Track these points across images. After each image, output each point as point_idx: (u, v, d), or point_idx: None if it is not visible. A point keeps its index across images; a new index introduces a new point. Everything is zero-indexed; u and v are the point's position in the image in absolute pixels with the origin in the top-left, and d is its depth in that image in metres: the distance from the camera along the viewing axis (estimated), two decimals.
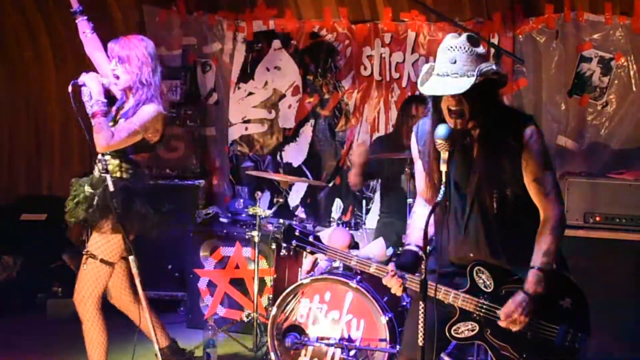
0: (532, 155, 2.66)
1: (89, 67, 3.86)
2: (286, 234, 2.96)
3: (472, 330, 2.71)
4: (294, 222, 3.00)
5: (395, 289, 2.75)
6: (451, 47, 2.59)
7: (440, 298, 2.70)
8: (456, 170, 2.73)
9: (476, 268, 2.72)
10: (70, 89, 3.54)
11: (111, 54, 3.70)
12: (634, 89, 5.21)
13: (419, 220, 2.85)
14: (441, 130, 2.60)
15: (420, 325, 2.52)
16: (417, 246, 2.77)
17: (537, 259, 2.64)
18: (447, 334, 2.72)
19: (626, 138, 5.21)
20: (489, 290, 2.71)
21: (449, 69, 2.56)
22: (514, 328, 2.64)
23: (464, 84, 2.52)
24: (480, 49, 2.61)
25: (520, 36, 5.47)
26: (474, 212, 2.73)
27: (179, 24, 6.21)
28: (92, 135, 3.53)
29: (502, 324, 2.65)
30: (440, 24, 5.65)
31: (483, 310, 2.69)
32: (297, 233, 2.95)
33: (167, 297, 5.61)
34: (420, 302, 2.54)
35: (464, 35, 2.63)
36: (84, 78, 3.60)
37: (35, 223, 5.85)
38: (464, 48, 2.57)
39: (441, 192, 2.60)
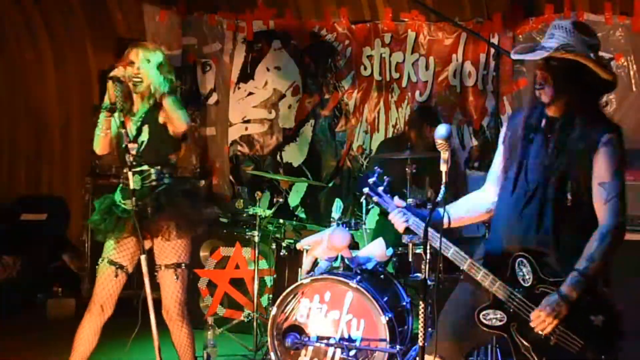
0: (603, 160, 2.70)
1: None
2: (359, 183, 2.98)
3: (500, 321, 2.69)
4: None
5: (398, 224, 2.79)
6: (555, 26, 2.69)
7: (479, 280, 2.69)
8: (532, 154, 2.75)
9: (519, 259, 2.69)
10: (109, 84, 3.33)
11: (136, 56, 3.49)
12: (634, 89, 5.22)
13: (468, 198, 2.95)
14: (441, 130, 2.60)
15: (421, 325, 2.52)
16: (448, 215, 2.76)
17: (581, 262, 2.61)
18: (476, 318, 2.71)
19: (626, 138, 5.18)
20: (526, 285, 2.68)
21: (545, 42, 2.67)
22: (542, 329, 2.60)
23: (544, 54, 2.62)
24: (589, 39, 2.67)
25: (520, 36, 5.48)
26: (534, 198, 2.72)
27: (179, 24, 6.21)
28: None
29: (532, 323, 2.62)
30: (440, 24, 5.65)
31: (515, 303, 2.67)
32: (370, 180, 2.93)
33: None
34: (421, 303, 2.53)
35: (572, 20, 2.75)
36: (118, 73, 3.36)
37: (35, 223, 5.85)
38: (565, 28, 2.66)
39: (441, 191, 2.59)
